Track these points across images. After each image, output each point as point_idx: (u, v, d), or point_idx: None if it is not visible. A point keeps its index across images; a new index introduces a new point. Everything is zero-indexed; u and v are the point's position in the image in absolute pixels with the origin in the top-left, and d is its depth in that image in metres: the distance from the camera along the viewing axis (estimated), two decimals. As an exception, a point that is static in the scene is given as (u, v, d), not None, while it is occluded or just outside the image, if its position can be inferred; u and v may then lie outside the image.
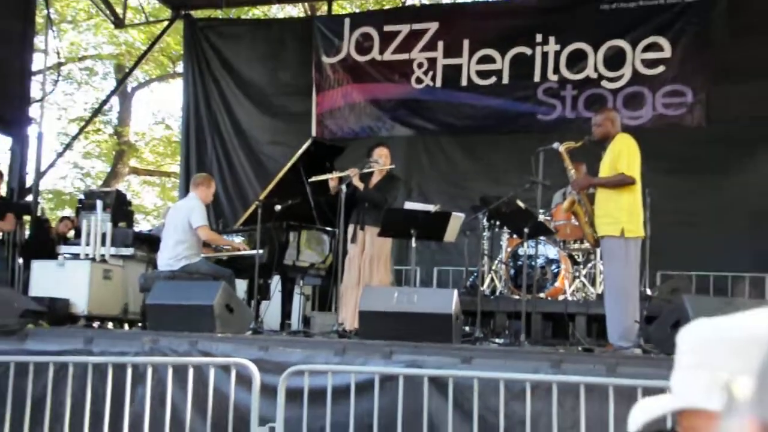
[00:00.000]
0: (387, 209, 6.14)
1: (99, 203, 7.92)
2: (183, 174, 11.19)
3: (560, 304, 6.85)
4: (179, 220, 6.61)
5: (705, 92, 8.92)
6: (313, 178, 6.57)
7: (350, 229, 6.52)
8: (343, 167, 6.97)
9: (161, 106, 25.02)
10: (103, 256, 7.63)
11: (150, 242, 8.01)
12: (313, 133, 10.18)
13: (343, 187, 6.16)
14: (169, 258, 6.54)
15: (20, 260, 8.72)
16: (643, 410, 0.83)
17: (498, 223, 7.18)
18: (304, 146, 7.05)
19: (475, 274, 7.47)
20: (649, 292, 6.86)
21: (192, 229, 6.54)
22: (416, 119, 10.10)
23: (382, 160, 6.62)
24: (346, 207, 6.20)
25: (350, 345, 4.85)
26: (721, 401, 0.59)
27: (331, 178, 6.46)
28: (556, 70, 9.42)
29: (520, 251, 7.00)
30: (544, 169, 5.72)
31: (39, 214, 10.00)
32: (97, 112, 14.59)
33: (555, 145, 5.73)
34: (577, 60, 9.36)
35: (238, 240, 7.06)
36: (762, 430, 0.52)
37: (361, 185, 6.48)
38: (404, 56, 10.06)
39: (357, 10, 12.70)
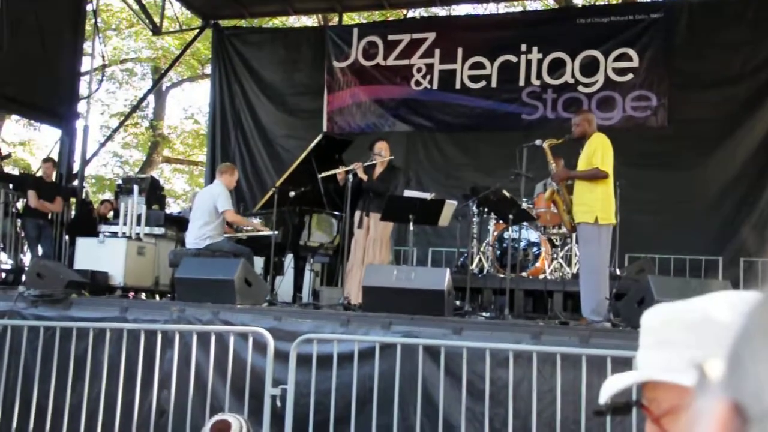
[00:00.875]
0: (388, 197, 6.07)
1: (135, 188, 7.85)
2: (209, 163, 11.15)
3: (540, 282, 6.78)
4: (205, 204, 6.56)
5: (667, 97, 8.85)
6: (324, 174, 6.52)
7: (356, 215, 6.49)
8: (350, 159, 6.91)
9: (191, 103, 24.69)
10: (138, 234, 7.56)
11: (179, 223, 7.93)
12: (324, 128, 10.14)
13: (350, 177, 6.13)
14: (195, 237, 6.51)
15: (66, 237, 8.67)
16: (612, 383, 0.83)
17: (486, 209, 7.13)
18: (316, 140, 7.03)
19: (466, 254, 7.43)
20: (618, 272, 6.79)
21: (217, 212, 6.49)
22: (415, 117, 10.04)
23: (383, 153, 6.58)
24: (352, 195, 6.17)
25: (354, 317, 4.81)
26: (694, 381, 0.53)
27: (339, 172, 6.40)
28: (539, 76, 9.33)
29: (506, 235, 6.96)
30: (528, 162, 5.67)
31: (83, 197, 9.95)
32: (135, 108, 14.45)
33: (538, 141, 5.68)
34: (557, 67, 9.26)
35: (256, 221, 7.01)
36: (731, 411, 0.48)
37: (365, 177, 6.45)
38: (405, 62, 9.99)
39: (364, 21, 12.55)
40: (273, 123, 10.76)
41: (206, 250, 6.40)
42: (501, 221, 7.05)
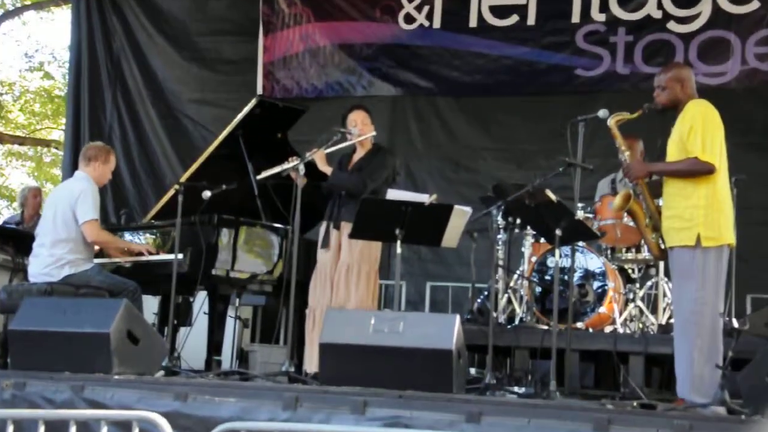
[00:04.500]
0: (362, 201, 6.06)
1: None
2: (69, 143, 11.19)
3: (606, 339, 6.78)
4: (62, 210, 6.58)
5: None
6: (264, 174, 6.61)
7: (322, 228, 6.58)
8: (303, 141, 6.89)
9: (39, 46, 24.24)
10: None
11: (17, 241, 7.87)
12: (259, 90, 10.20)
13: (301, 168, 6.16)
14: (45, 265, 6.52)
15: None
16: None
17: (519, 221, 7.14)
18: (246, 108, 7.07)
19: (486, 293, 7.43)
20: (736, 324, 6.78)
21: (78, 224, 6.55)
22: (404, 73, 10.10)
23: (356, 129, 6.62)
24: (316, 198, 6.24)
25: (306, 394, 4.79)
26: None
27: (287, 168, 6.44)
28: (604, 8, 9.38)
29: (550, 262, 6.97)
30: (585, 147, 5.66)
31: None
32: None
33: (602, 113, 5.69)
34: (632, -7, 9.33)
35: (141, 241, 7.06)
36: None
37: (328, 170, 6.54)
38: (388, -16, 10.06)
39: None
40: (175, 79, 10.80)
41: (64, 284, 6.41)
42: (542, 240, 7.06)
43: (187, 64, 10.77)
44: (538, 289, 7.21)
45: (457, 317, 5.09)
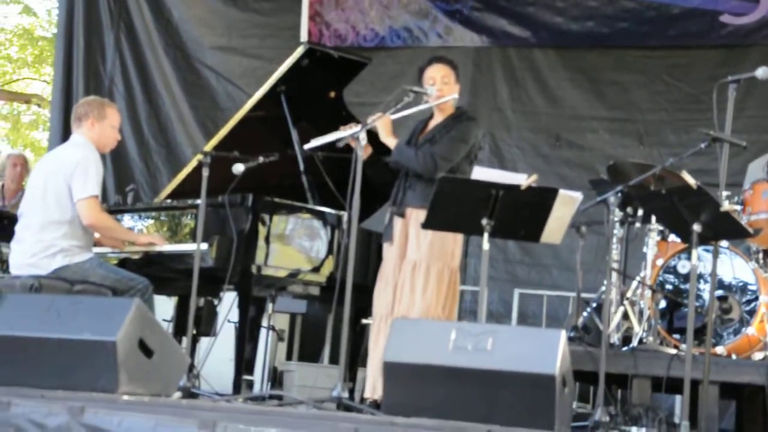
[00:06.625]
0: (442, 178, 6.08)
1: None
2: (58, 100, 11.34)
3: (756, 369, 6.70)
4: (54, 184, 6.63)
5: None
6: (315, 142, 6.62)
7: (385, 217, 6.66)
8: (358, 104, 6.92)
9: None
10: None
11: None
12: (303, 35, 10.30)
13: (362, 136, 6.15)
14: (32, 253, 6.58)
15: None
16: None
17: (642, 212, 7.09)
18: (290, 59, 7.10)
19: (594, 304, 7.44)
20: None
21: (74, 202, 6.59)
22: (492, 17, 10.21)
23: (434, 89, 6.61)
24: (374, 178, 6.28)
25: (367, 426, 4.73)
26: None
27: (344, 136, 6.43)
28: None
29: (681, 267, 6.98)
30: (736, 116, 5.63)
31: None
32: None
33: (760, 72, 5.68)
34: None
35: (142, 230, 7.12)
36: None
37: (393, 140, 6.56)
38: None
39: None
40: (197, 20, 10.92)
41: (55, 278, 6.46)
42: (672, 237, 7.06)
43: (211, 0, 10.88)
44: (664, 302, 7.19)
45: (563, 333, 5.00)
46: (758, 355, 6.94)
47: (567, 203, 6.10)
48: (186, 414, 4.91)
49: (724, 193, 6.39)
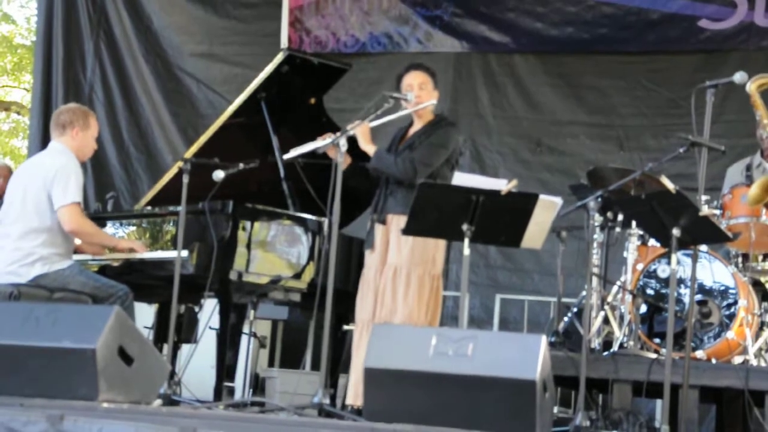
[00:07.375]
0: (422, 184, 6.10)
1: None
2: (38, 108, 11.32)
3: (735, 373, 6.71)
4: (33, 192, 6.64)
5: None
6: (294, 152, 6.64)
7: (367, 222, 6.66)
8: (338, 110, 6.92)
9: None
10: None
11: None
12: (284, 42, 10.33)
13: (342, 143, 6.15)
14: (11, 261, 6.59)
15: None
16: None
17: (622, 217, 7.11)
18: (271, 66, 7.14)
19: (575, 309, 7.46)
20: None
21: (55, 211, 6.58)
22: (472, 23, 10.21)
23: (413, 95, 6.63)
24: (356, 184, 6.30)
25: None
26: None
27: (322, 146, 6.45)
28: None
29: (661, 271, 6.99)
30: (714, 120, 5.65)
31: None
32: None
33: (737, 77, 5.70)
34: None
35: (129, 234, 7.10)
36: None
37: (372, 149, 6.55)
38: None
39: None
40: (177, 28, 10.93)
41: (34, 286, 6.46)
42: (652, 242, 7.08)
43: (191, 8, 10.86)
44: (645, 307, 7.19)
45: (544, 338, 4.99)
46: (738, 359, 6.95)
47: (547, 208, 6.10)
48: (166, 421, 4.88)
49: (704, 198, 6.44)
